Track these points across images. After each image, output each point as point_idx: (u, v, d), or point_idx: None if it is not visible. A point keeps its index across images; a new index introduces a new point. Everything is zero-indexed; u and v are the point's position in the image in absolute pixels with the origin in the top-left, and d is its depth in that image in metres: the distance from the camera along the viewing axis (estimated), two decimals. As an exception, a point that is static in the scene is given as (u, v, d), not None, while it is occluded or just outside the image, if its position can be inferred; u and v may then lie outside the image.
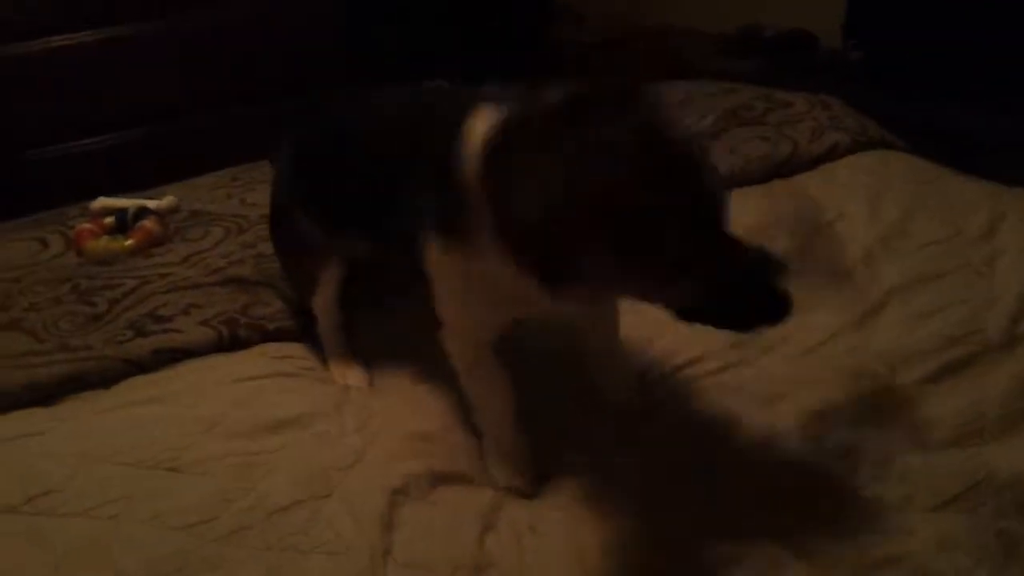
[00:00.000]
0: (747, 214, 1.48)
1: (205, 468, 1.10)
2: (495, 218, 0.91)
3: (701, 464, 1.07)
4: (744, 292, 0.89)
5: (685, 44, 3.43)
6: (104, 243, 1.60)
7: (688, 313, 0.91)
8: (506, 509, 1.05)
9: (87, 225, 1.66)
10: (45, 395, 1.26)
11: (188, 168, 2.00)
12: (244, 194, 1.77)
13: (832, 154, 1.72)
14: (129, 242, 1.61)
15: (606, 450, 1.13)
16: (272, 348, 1.38)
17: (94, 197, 1.79)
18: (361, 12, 3.44)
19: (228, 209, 1.70)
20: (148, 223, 1.65)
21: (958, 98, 2.40)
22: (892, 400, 1.13)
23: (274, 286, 1.47)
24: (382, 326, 1.41)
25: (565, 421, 1.19)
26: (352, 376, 1.33)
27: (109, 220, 1.68)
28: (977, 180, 1.64)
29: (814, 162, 1.71)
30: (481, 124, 0.94)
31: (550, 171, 0.84)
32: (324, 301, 1.35)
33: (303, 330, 1.41)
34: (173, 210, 1.75)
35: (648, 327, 1.23)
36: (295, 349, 1.39)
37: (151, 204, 1.73)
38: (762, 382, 1.18)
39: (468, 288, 1.02)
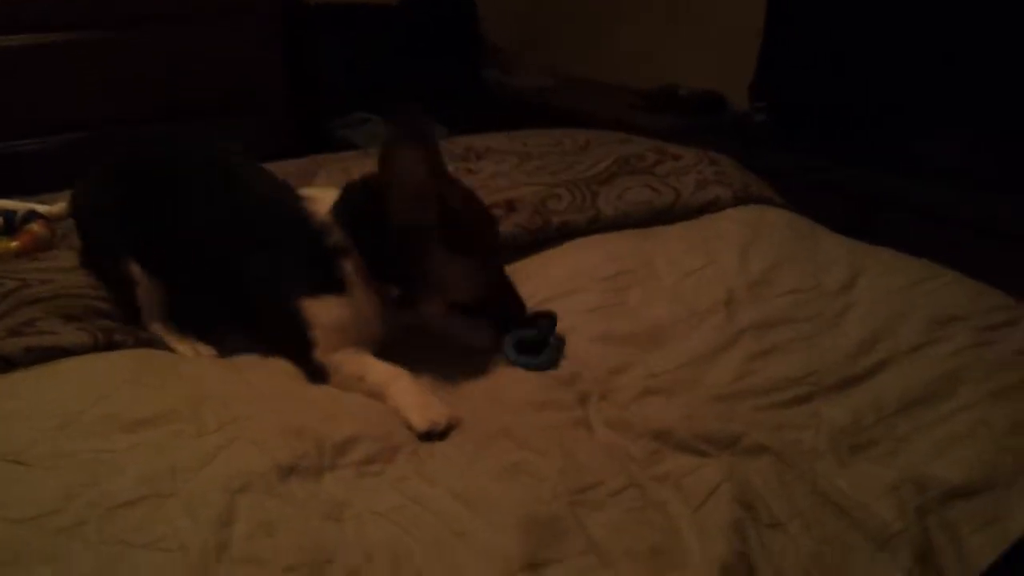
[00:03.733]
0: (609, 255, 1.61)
1: (53, 464, 1.09)
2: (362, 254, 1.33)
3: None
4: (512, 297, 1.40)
5: (606, 97, 3.56)
6: (-12, 242, 1.60)
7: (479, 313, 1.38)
8: (353, 504, 1.05)
9: (-28, 224, 1.65)
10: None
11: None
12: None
13: (713, 206, 1.80)
14: (14, 244, 1.60)
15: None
16: (146, 351, 1.41)
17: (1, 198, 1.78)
18: (298, 39, 3.49)
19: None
20: (35, 226, 1.64)
21: (857, 160, 2.54)
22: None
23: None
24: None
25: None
26: (201, 348, 1.46)
27: (-3, 221, 1.67)
28: (844, 238, 1.74)
29: (695, 212, 1.79)
30: (322, 204, 1.36)
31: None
32: (148, 316, 1.49)
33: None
34: (64, 216, 1.75)
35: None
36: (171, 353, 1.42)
37: (42, 208, 1.73)
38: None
39: (342, 326, 1.34)
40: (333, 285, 1.34)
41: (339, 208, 1.35)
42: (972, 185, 2.34)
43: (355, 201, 1.34)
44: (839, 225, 1.86)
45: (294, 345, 1.36)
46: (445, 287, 1.35)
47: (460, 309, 1.38)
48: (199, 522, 1.00)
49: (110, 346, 1.38)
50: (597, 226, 1.71)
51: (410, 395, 1.25)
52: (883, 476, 1.08)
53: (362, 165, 1.99)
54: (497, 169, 1.94)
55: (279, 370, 1.38)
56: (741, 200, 1.84)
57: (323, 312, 1.33)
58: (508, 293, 1.41)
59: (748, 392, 1.26)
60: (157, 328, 1.49)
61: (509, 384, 1.30)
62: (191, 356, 1.44)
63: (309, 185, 1.78)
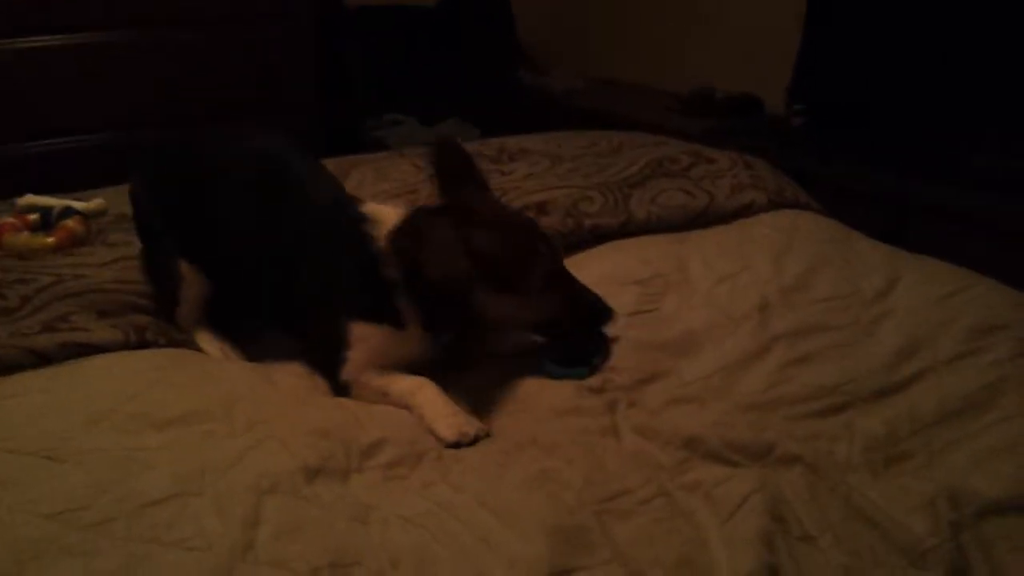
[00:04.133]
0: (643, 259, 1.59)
1: (83, 459, 1.10)
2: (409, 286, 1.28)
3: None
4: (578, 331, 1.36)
5: (641, 100, 3.54)
6: (24, 238, 1.62)
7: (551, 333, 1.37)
8: (379, 507, 1.05)
9: (10, 219, 1.67)
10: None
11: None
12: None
13: (747, 211, 1.78)
14: (50, 240, 1.63)
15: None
16: (178, 351, 1.42)
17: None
18: (334, 42, 3.51)
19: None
20: (71, 223, 1.66)
21: (895, 165, 2.50)
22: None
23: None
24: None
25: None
26: (230, 351, 1.47)
27: (34, 217, 1.69)
28: (880, 244, 1.71)
29: (730, 216, 1.77)
30: (382, 227, 1.31)
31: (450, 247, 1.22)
32: (188, 313, 1.50)
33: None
34: (100, 213, 1.77)
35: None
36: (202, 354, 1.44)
37: (78, 205, 1.75)
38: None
39: (383, 351, 1.33)
40: (382, 315, 1.31)
41: (397, 241, 1.28)
42: (1012, 192, 2.28)
43: (408, 240, 1.27)
44: (875, 231, 1.83)
45: (326, 359, 1.36)
46: (502, 323, 1.35)
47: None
48: (227, 522, 1.01)
49: (142, 344, 1.40)
50: (629, 229, 1.70)
51: (437, 405, 1.24)
52: (918, 489, 1.05)
53: (394, 166, 1.99)
54: (530, 171, 1.93)
55: (305, 376, 1.39)
56: (776, 204, 1.82)
57: (364, 338, 1.32)
58: (576, 304, 1.35)
59: (781, 401, 1.24)
60: (191, 327, 1.50)
61: (537, 391, 1.30)
62: (218, 358, 1.45)
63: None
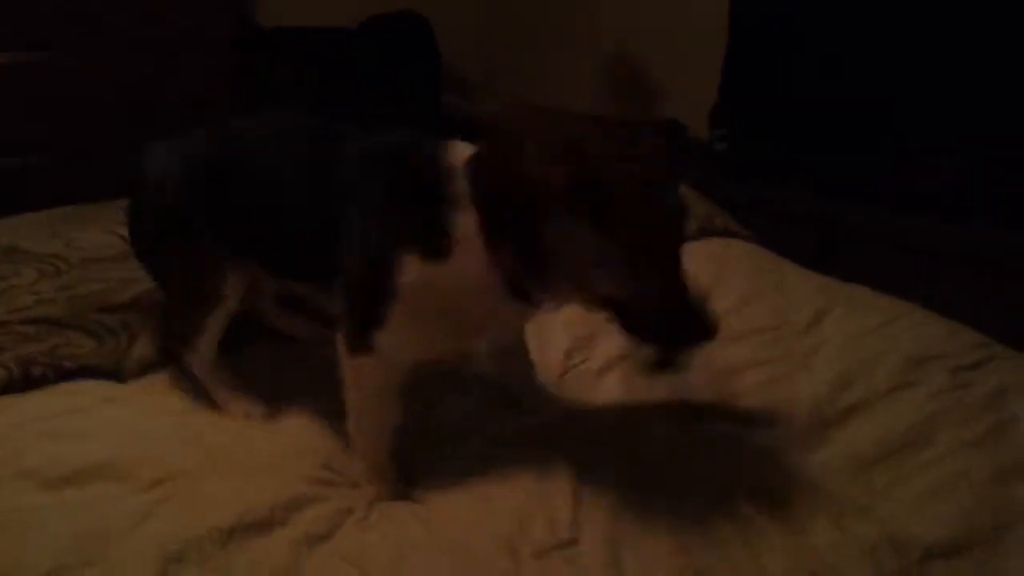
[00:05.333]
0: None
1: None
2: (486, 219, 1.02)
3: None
4: (681, 314, 1.00)
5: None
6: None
7: (632, 322, 1.01)
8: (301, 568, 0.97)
9: None
10: None
11: (32, 205, 1.91)
12: (71, 234, 1.67)
13: (677, 239, 1.74)
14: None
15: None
16: (70, 387, 1.29)
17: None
18: (249, 64, 3.41)
19: (48, 248, 1.60)
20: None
21: (821, 189, 2.50)
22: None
23: (85, 327, 1.39)
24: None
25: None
26: (253, 410, 1.28)
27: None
28: (811, 273, 1.69)
29: (660, 245, 1.73)
30: (457, 155, 1.06)
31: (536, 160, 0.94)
32: (212, 332, 1.28)
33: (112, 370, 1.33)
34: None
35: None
36: (97, 387, 1.30)
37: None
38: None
39: (430, 309, 1.06)
40: (438, 244, 1.04)
41: (474, 157, 1.06)
42: (939, 213, 2.31)
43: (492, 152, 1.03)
44: (805, 256, 1.82)
45: (358, 310, 1.11)
46: (575, 275, 1.01)
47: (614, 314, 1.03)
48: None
49: (27, 381, 1.27)
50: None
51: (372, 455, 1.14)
52: (861, 534, 1.02)
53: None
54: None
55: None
56: (706, 233, 1.79)
57: (417, 278, 1.05)
58: (679, 303, 1.01)
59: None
60: (208, 376, 1.31)
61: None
62: (240, 416, 1.28)
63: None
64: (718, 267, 1.66)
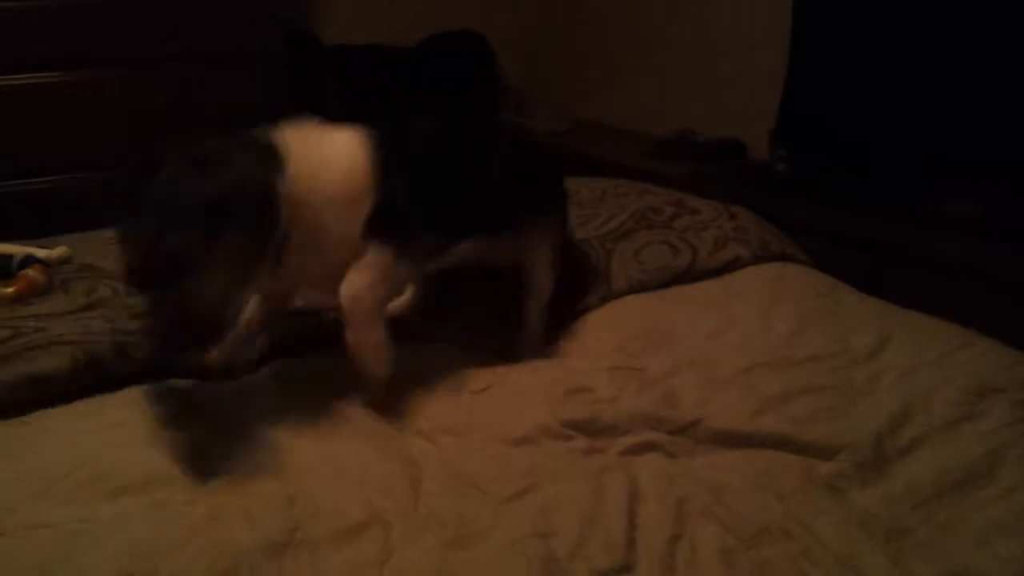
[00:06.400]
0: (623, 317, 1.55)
1: (28, 535, 1.03)
2: None
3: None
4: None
5: (622, 143, 3.51)
6: (-18, 288, 1.54)
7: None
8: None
9: (-35, 268, 1.59)
10: None
11: (100, 222, 1.96)
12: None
13: (731, 267, 1.73)
14: (10, 290, 1.55)
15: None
16: (142, 391, 1.33)
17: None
18: (310, 81, 3.47)
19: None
20: (32, 271, 1.59)
21: (882, 212, 2.47)
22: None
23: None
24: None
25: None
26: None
27: (-8, 265, 1.62)
28: (870, 298, 1.67)
29: (713, 272, 1.72)
30: None
31: None
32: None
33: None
34: (63, 261, 1.70)
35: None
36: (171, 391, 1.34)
37: (40, 253, 1.68)
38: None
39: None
40: None
41: None
42: (1001, 240, 2.25)
43: None
44: (862, 279, 1.79)
45: None
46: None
47: None
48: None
49: (99, 376, 1.32)
50: (611, 298, 1.64)
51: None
52: (917, 572, 1.00)
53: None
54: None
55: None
56: (761, 258, 1.77)
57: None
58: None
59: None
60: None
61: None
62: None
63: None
64: (774, 291, 1.65)
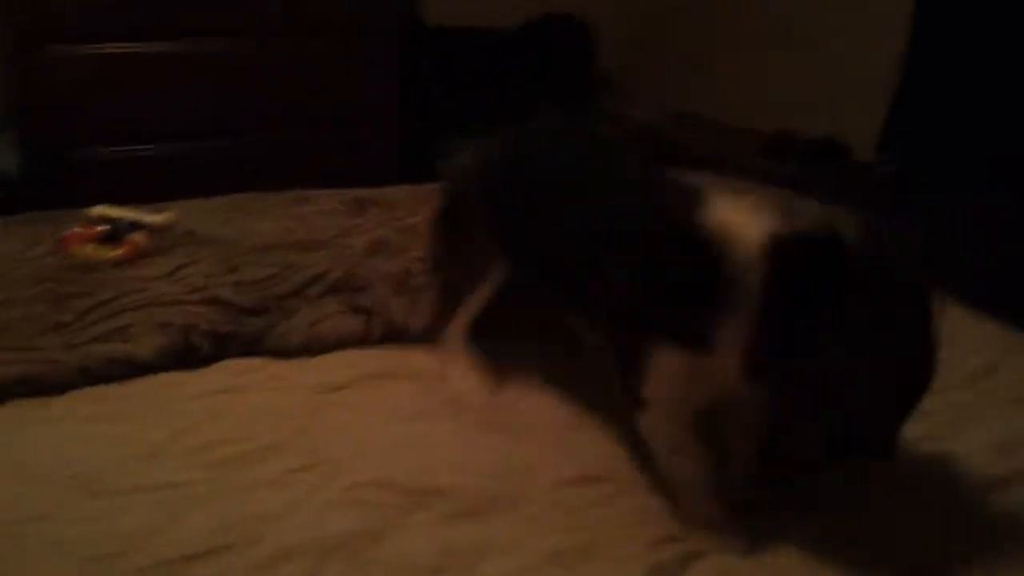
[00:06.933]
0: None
1: (128, 498, 1.06)
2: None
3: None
4: None
5: (723, 138, 3.44)
6: (90, 250, 1.60)
7: None
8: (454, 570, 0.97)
9: (77, 230, 1.65)
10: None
11: (210, 188, 2.02)
12: (243, 221, 1.76)
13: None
14: (115, 253, 1.60)
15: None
16: (235, 364, 1.37)
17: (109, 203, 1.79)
18: (415, 66, 3.49)
19: (222, 234, 1.69)
20: (138, 236, 1.64)
21: (991, 224, 2.36)
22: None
23: (247, 307, 1.46)
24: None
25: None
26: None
27: (103, 228, 1.67)
28: (981, 317, 1.59)
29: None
30: (755, 233, 0.96)
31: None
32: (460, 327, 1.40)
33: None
34: (169, 227, 1.74)
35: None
36: (260, 364, 1.38)
37: (148, 218, 1.73)
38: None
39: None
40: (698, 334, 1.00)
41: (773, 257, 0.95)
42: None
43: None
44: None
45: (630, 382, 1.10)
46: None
47: None
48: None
49: (188, 348, 1.36)
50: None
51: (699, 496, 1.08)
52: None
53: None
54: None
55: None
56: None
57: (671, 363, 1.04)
58: None
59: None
60: (453, 345, 1.41)
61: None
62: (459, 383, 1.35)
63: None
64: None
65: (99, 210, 1.75)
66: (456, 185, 1.44)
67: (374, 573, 0.96)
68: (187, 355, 1.35)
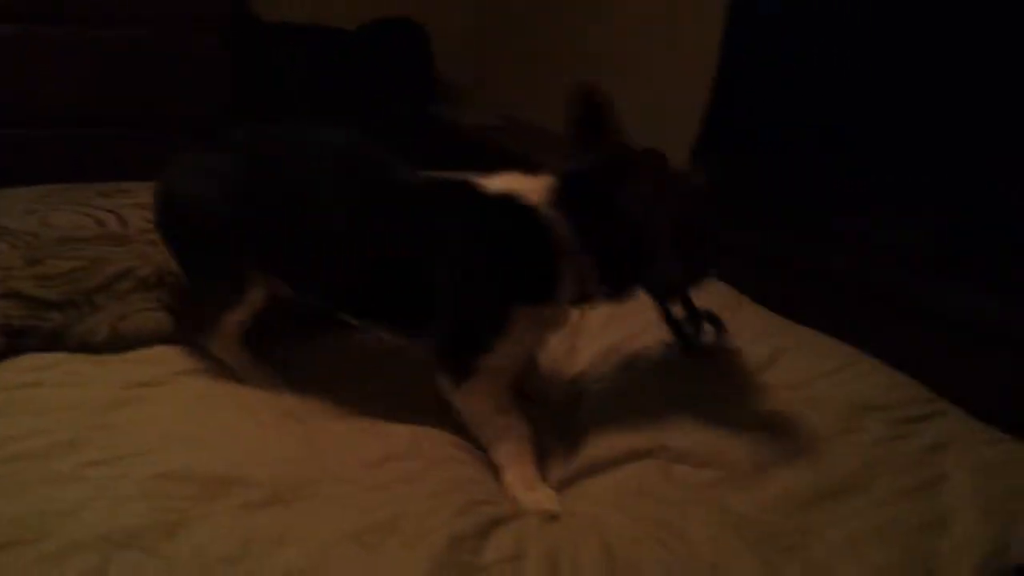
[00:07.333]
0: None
1: None
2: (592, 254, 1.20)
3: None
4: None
5: (550, 144, 3.55)
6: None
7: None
8: (254, 559, 0.97)
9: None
10: None
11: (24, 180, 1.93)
12: (48, 213, 1.68)
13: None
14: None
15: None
16: (33, 359, 1.35)
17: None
18: (249, 53, 3.42)
19: (24, 226, 1.62)
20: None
21: (798, 234, 2.54)
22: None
23: (51, 300, 1.41)
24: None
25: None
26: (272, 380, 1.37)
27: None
28: (770, 314, 1.73)
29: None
30: (535, 190, 1.22)
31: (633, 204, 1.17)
32: (231, 327, 1.37)
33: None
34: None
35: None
36: (61, 359, 1.36)
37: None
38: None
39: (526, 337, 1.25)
40: (543, 291, 1.22)
41: (561, 200, 1.20)
42: (910, 266, 2.34)
43: (582, 192, 1.20)
44: (771, 297, 1.85)
45: (458, 353, 1.23)
46: (662, 290, 1.34)
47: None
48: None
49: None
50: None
51: (522, 469, 1.20)
52: (786, 574, 1.05)
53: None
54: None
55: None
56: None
57: (523, 321, 1.22)
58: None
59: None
60: (228, 355, 1.38)
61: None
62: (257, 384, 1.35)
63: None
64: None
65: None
66: (178, 189, 1.38)
67: (169, 566, 0.95)
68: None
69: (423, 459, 1.18)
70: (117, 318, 1.40)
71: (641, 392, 1.40)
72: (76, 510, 1.01)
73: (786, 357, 1.53)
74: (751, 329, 1.63)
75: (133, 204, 1.83)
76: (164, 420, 1.21)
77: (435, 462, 1.18)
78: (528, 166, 2.54)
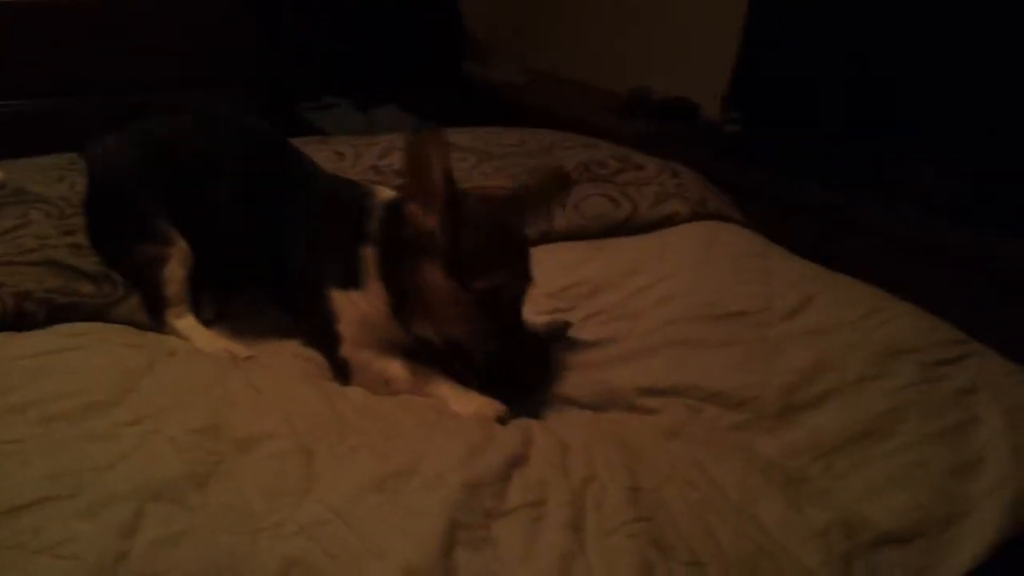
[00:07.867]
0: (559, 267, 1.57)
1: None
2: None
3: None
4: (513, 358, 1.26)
5: (581, 98, 3.52)
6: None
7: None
8: (281, 509, 0.99)
9: None
10: None
11: (46, 146, 1.95)
12: (77, 178, 1.70)
13: (669, 222, 1.77)
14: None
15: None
16: (67, 327, 1.35)
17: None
18: (273, 17, 3.42)
19: (56, 192, 1.64)
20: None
21: (827, 179, 2.51)
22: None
23: (86, 271, 1.43)
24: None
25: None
26: (235, 348, 1.39)
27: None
28: (799, 260, 1.71)
29: (651, 226, 1.75)
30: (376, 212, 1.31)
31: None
32: (175, 295, 1.42)
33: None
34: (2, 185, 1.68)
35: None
36: (95, 328, 1.36)
37: (-24, 175, 1.66)
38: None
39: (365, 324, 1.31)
40: (355, 277, 1.30)
41: (390, 204, 1.31)
42: (942, 212, 2.31)
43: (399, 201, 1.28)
44: (803, 244, 1.83)
45: (322, 335, 1.35)
46: (432, 314, 1.26)
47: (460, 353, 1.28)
48: (100, 528, 0.94)
49: (20, 313, 1.33)
50: (551, 238, 1.67)
51: (453, 389, 1.26)
52: (813, 517, 1.05)
53: (314, 153, 1.93)
54: (455, 167, 1.88)
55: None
56: (699, 216, 1.81)
57: (348, 307, 1.31)
58: (519, 354, 1.28)
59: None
60: (183, 323, 1.42)
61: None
62: (223, 357, 1.36)
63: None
64: (706, 249, 1.68)
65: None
66: (109, 169, 1.50)
67: (200, 516, 0.97)
68: (20, 323, 1.32)
69: (434, 409, 1.21)
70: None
71: (675, 332, 1.41)
72: (111, 465, 1.03)
73: (816, 302, 1.51)
74: (781, 276, 1.61)
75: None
76: (195, 381, 1.23)
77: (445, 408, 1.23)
78: (552, 120, 2.54)
